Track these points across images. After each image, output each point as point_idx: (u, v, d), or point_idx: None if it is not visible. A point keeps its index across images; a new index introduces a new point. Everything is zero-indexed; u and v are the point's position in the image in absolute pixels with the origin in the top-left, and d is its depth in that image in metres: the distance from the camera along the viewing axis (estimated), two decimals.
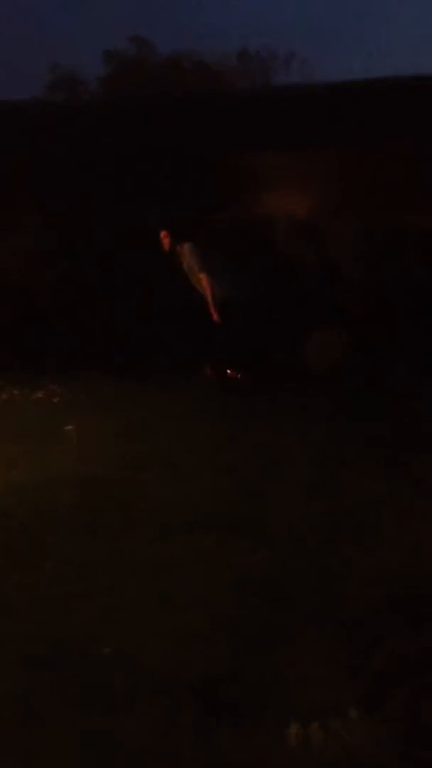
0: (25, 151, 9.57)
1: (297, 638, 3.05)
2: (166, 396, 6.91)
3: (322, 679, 2.78)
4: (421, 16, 41.38)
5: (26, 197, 9.08)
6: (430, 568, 3.62)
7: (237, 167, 10.13)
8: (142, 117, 10.40)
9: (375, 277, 7.86)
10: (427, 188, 9.18)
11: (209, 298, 7.34)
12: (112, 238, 8.28)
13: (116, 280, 8.18)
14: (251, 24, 28.76)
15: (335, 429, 5.67)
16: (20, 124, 10.08)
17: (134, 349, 7.61)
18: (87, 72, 15.46)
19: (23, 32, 31.90)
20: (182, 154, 9.71)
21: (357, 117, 10.19)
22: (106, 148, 9.48)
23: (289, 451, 5.24)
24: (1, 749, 2.53)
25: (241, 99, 12.94)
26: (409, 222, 8.25)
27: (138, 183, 8.36)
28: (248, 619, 3.21)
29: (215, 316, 7.31)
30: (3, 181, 9.39)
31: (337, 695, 2.67)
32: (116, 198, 8.36)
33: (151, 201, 7.86)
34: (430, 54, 32.31)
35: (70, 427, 5.65)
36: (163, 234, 7.60)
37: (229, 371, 7.39)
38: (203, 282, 7.37)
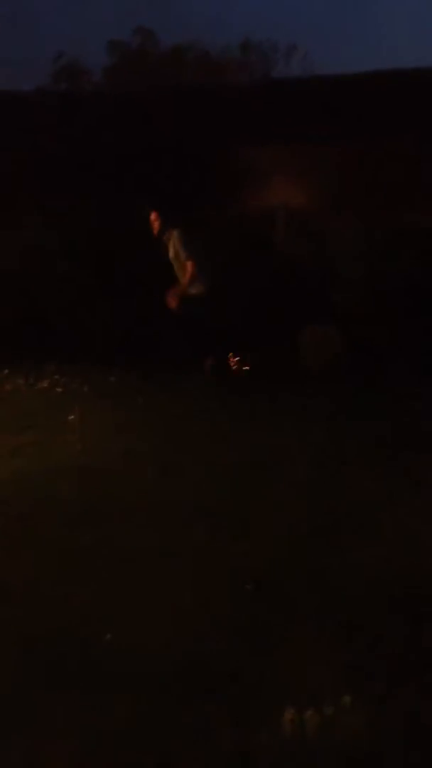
0: (26, 149, 9.56)
1: (294, 636, 3.08)
2: (166, 394, 6.94)
3: (319, 675, 2.81)
4: (424, 8, 41.30)
5: (26, 196, 9.08)
6: (430, 568, 3.64)
7: (237, 161, 10.13)
8: (143, 111, 10.39)
9: (374, 277, 7.87)
10: (429, 186, 9.19)
11: (184, 286, 7.29)
12: (112, 238, 8.26)
13: (116, 280, 8.17)
14: (253, 16, 28.69)
15: (335, 429, 5.67)
16: (21, 122, 10.08)
17: (134, 349, 7.61)
18: (91, 62, 15.32)
19: (28, 22, 31.82)
20: (182, 150, 9.71)
21: (359, 110, 10.19)
22: (106, 148, 9.49)
23: (288, 451, 5.25)
24: None
25: (242, 91, 12.95)
26: (409, 221, 8.25)
27: (138, 182, 8.33)
28: (243, 613, 3.26)
29: (173, 304, 7.25)
30: (3, 180, 9.39)
31: (333, 689, 2.71)
32: (116, 197, 8.33)
33: (152, 199, 7.83)
34: None
35: (72, 417, 5.69)
36: (153, 216, 7.53)
37: (230, 360, 7.44)
38: (188, 270, 7.30)
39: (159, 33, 17.11)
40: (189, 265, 7.31)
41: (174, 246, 7.41)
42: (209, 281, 7.40)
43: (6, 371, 7.79)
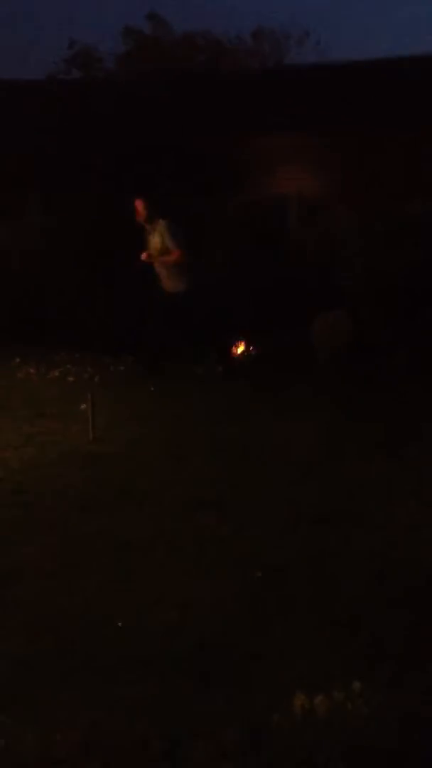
0: (29, 150, 9.61)
1: (292, 614, 3.19)
2: (175, 383, 6.99)
3: (315, 653, 2.91)
4: None
5: (27, 195, 9.11)
6: (427, 556, 3.72)
7: (248, 148, 10.11)
8: (152, 96, 10.38)
9: (382, 262, 7.81)
10: None
11: (165, 261, 7.08)
12: (112, 238, 8.24)
13: (116, 279, 8.15)
14: (266, 2, 28.53)
15: (335, 427, 5.68)
16: (27, 111, 10.12)
17: (141, 340, 7.61)
18: (102, 49, 15.25)
19: (40, 9, 31.66)
20: (190, 139, 9.70)
21: (370, 96, 10.15)
22: (111, 139, 9.52)
23: (288, 449, 5.28)
24: (3, 705, 2.68)
25: (254, 77, 12.92)
26: (418, 209, 8.18)
27: (139, 180, 8.27)
28: (246, 593, 3.37)
29: (145, 257, 7.10)
30: (3, 179, 9.42)
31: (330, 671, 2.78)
32: (120, 187, 8.29)
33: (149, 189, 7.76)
34: None
35: (84, 406, 5.73)
36: (137, 202, 7.15)
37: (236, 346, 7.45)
38: (175, 258, 7.07)
39: (171, 22, 16.92)
40: (176, 253, 7.05)
41: (161, 235, 7.09)
42: (192, 280, 7.17)
43: (17, 360, 7.84)
